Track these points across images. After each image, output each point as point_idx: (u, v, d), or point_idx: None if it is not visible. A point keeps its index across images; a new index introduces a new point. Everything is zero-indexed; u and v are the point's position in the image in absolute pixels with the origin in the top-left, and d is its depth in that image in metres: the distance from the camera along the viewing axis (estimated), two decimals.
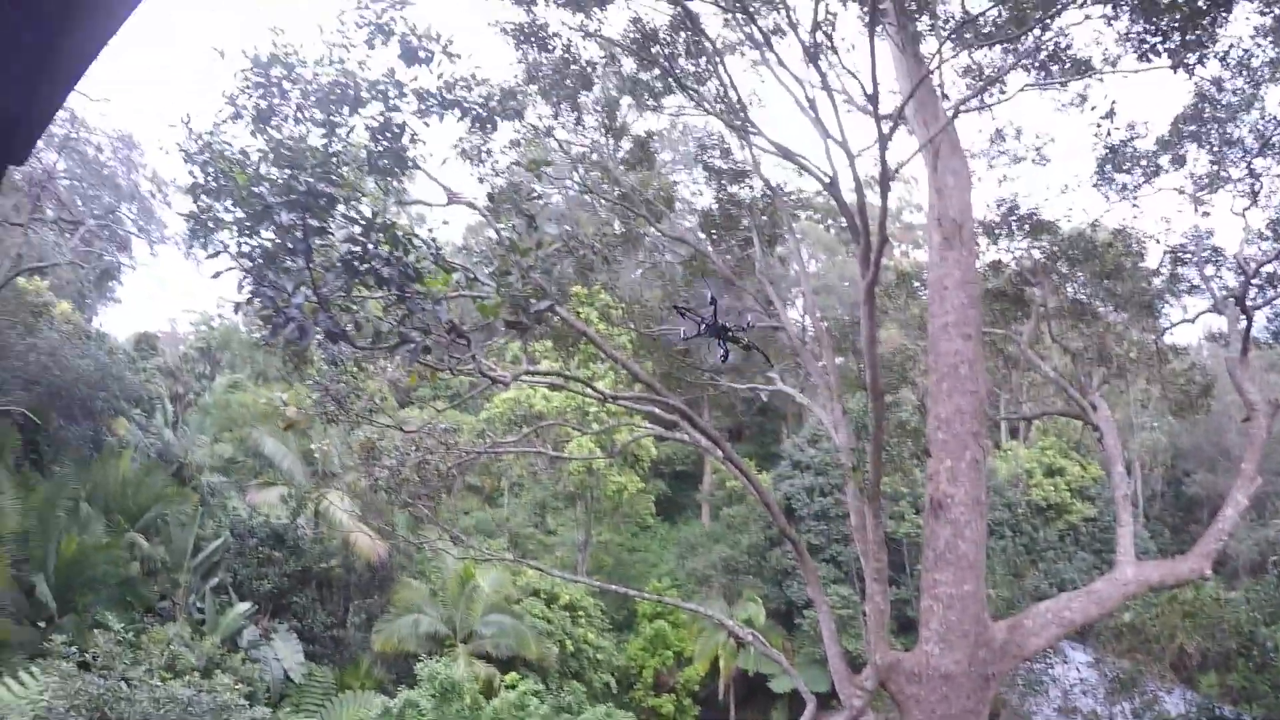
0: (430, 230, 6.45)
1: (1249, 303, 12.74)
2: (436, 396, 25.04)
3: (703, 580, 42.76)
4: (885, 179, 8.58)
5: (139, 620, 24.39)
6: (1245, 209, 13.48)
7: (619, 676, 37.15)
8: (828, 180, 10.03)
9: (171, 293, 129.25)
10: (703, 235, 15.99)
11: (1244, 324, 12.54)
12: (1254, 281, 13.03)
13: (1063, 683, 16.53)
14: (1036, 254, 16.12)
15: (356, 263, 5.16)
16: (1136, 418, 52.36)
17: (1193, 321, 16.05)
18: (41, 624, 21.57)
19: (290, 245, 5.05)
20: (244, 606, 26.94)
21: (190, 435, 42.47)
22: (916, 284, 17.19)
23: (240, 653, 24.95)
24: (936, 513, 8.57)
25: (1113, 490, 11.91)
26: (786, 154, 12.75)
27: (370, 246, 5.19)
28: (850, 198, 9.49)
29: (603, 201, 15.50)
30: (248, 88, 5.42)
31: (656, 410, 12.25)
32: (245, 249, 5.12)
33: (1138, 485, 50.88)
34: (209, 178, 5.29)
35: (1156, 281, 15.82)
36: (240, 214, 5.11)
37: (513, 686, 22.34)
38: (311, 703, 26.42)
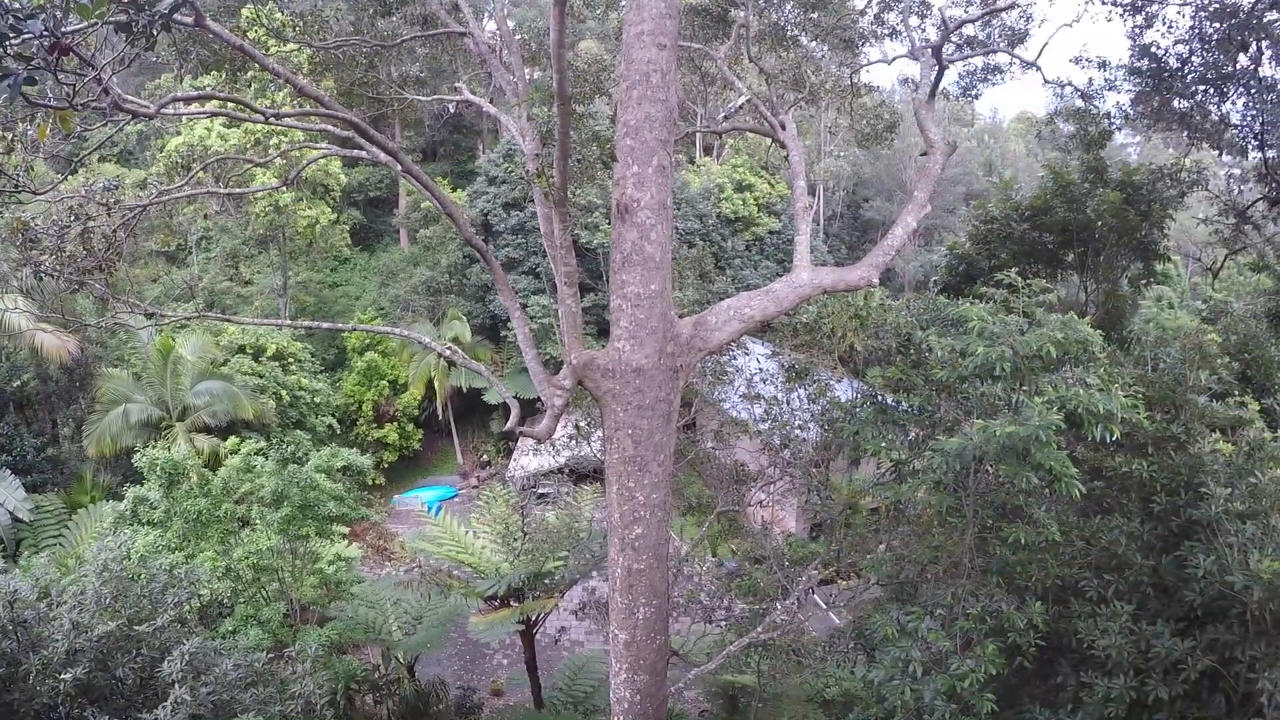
0: None
1: (944, 56, 13.64)
2: (102, 159, 21.40)
3: (406, 306, 42.46)
4: None
5: None
6: None
7: (340, 416, 37.03)
8: None
9: None
10: None
11: (936, 73, 13.44)
12: (952, 38, 14.09)
13: (746, 372, 18.45)
14: None
15: None
16: (825, 145, 56.67)
17: (889, 64, 17.23)
18: None
19: None
20: None
21: None
22: None
23: None
24: (623, 216, 8.63)
25: (794, 204, 12.67)
26: None
27: None
28: None
29: None
30: None
31: (331, 129, 11.11)
32: None
33: (820, 206, 56.13)
34: None
35: (862, 21, 16.50)
36: None
37: (236, 451, 21.36)
38: (49, 536, 24.30)
